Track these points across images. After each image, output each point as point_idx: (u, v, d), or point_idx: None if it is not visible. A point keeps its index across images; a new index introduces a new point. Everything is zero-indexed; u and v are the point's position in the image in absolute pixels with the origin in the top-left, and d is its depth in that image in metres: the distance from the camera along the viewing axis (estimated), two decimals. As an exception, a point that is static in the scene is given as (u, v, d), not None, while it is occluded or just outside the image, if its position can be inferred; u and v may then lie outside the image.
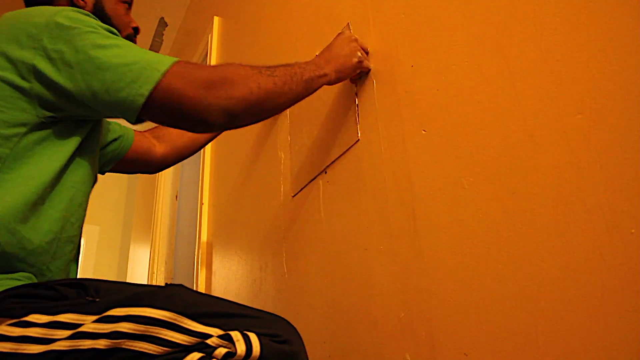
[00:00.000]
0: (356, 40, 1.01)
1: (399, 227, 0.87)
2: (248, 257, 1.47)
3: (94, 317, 0.65)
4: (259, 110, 0.83)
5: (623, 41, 0.57)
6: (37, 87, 0.75)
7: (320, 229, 1.10)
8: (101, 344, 0.63)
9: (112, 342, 0.63)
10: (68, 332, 0.63)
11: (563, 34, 0.64)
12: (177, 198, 2.76)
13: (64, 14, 0.77)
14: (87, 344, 0.63)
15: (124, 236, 4.27)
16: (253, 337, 0.64)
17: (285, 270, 1.23)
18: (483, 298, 0.69)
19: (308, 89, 0.91)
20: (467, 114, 0.77)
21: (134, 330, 0.63)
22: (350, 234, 0.99)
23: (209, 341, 0.64)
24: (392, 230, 0.88)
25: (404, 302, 0.82)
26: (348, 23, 1.11)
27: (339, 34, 1.04)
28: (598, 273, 0.55)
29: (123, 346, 0.63)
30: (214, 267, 1.75)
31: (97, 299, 0.68)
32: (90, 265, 4.10)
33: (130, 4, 1.05)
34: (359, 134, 1.01)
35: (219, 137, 1.93)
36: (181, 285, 0.72)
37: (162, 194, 2.74)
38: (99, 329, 0.63)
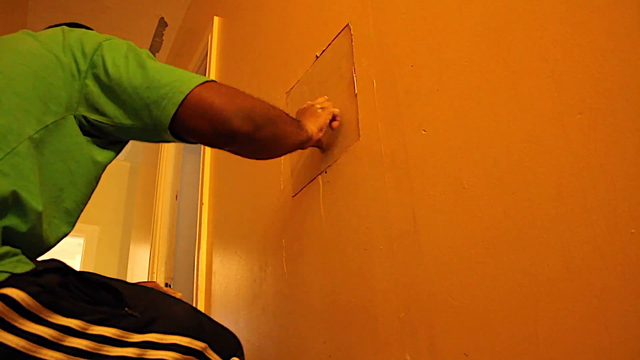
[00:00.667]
0: (323, 109, 1.08)
1: (399, 227, 0.87)
2: (248, 257, 1.47)
3: (137, 338, 0.66)
4: (274, 130, 0.89)
5: (623, 41, 0.57)
6: (87, 84, 0.78)
7: (320, 229, 1.10)
8: None
9: None
10: (116, 351, 0.63)
11: (563, 34, 0.64)
12: (177, 198, 2.76)
13: (119, 39, 0.86)
14: None
15: (124, 236, 4.27)
16: None
17: (285, 270, 1.23)
18: (483, 298, 0.69)
19: (295, 136, 0.97)
20: (467, 114, 0.77)
21: (177, 359, 0.68)
22: (350, 234, 0.99)
23: None
24: (392, 230, 0.88)
25: (404, 302, 0.82)
26: (348, 23, 1.11)
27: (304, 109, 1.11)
28: (598, 273, 0.55)
29: None
30: (214, 267, 1.75)
31: (136, 314, 0.68)
32: (90, 265, 4.11)
33: None
34: (359, 134, 1.01)
35: (219, 137, 1.93)
36: (190, 306, 0.79)
37: (162, 194, 2.74)
38: (143, 355, 0.65)
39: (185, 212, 2.69)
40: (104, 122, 0.78)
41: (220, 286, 1.65)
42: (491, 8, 0.75)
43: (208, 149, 2.00)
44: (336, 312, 1.00)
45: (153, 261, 2.60)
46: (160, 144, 2.88)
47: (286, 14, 1.46)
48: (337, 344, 0.98)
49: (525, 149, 0.66)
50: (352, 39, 1.09)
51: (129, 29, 2.96)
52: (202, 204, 1.91)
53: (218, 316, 1.60)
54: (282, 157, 1.34)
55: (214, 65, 2.10)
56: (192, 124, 0.79)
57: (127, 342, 0.64)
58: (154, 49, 3.14)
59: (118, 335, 0.63)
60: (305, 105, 1.12)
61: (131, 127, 0.79)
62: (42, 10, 2.76)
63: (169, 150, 2.85)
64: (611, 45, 0.58)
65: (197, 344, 0.70)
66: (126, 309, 0.66)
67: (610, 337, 0.53)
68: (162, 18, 2.90)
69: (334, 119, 1.07)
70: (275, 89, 1.45)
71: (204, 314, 0.80)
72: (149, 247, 2.73)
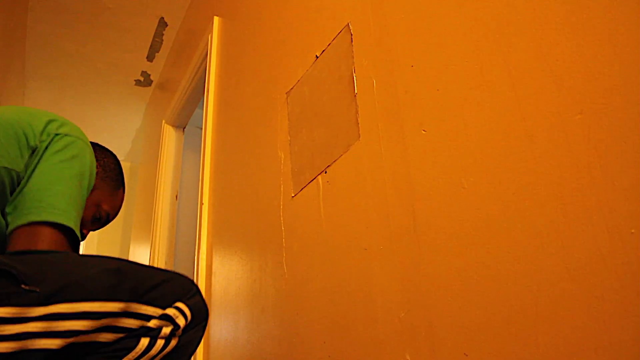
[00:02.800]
0: None
1: (399, 227, 0.87)
2: (248, 257, 1.47)
3: (40, 311, 0.61)
4: None
5: (623, 41, 0.57)
6: None
7: (320, 229, 1.10)
8: (55, 343, 0.61)
9: (66, 341, 0.62)
10: (14, 329, 0.60)
11: (563, 34, 0.64)
12: (177, 198, 2.76)
13: None
14: (40, 343, 0.61)
15: (124, 236, 4.27)
16: (184, 307, 0.74)
17: (285, 270, 1.23)
18: (483, 298, 0.69)
19: None
20: (467, 114, 0.77)
21: (91, 327, 0.64)
22: (350, 234, 0.99)
23: (150, 324, 0.69)
24: (392, 230, 0.88)
25: (404, 302, 0.82)
26: (348, 23, 1.11)
27: None
28: (598, 273, 0.55)
29: (79, 340, 0.63)
30: (214, 267, 1.75)
31: (35, 288, 0.63)
32: (90, 265, 4.09)
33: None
34: (359, 134, 1.01)
35: (218, 137, 1.93)
36: (112, 259, 0.75)
37: (162, 194, 2.74)
38: (50, 328, 0.61)
39: (185, 212, 2.69)
40: None
41: (220, 286, 1.65)
42: (491, 8, 0.75)
43: (208, 149, 2.00)
44: (336, 312, 1.00)
45: (153, 261, 2.60)
46: (161, 143, 2.88)
47: (286, 14, 1.46)
48: (337, 344, 0.98)
49: (525, 149, 0.66)
50: (352, 39, 1.09)
51: (129, 29, 2.96)
52: (202, 204, 1.91)
53: (218, 316, 1.61)
54: (282, 157, 1.34)
55: (214, 65, 2.10)
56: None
57: (27, 317, 0.61)
58: (154, 49, 3.14)
59: (14, 313, 0.60)
60: None
61: None
62: (42, 10, 2.76)
63: (169, 150, 2.85)
64: (611, 45, 0.58)
65: (111, 306, 0.66)
66: (22, 285, 0.63)
67: (610, 337, 0.53)
68: (162, 18, 2.89)
69: None
70: (275, 89, 1.45)
71: (136, 266, 0.76)
72: (149, 247, 2.73)
